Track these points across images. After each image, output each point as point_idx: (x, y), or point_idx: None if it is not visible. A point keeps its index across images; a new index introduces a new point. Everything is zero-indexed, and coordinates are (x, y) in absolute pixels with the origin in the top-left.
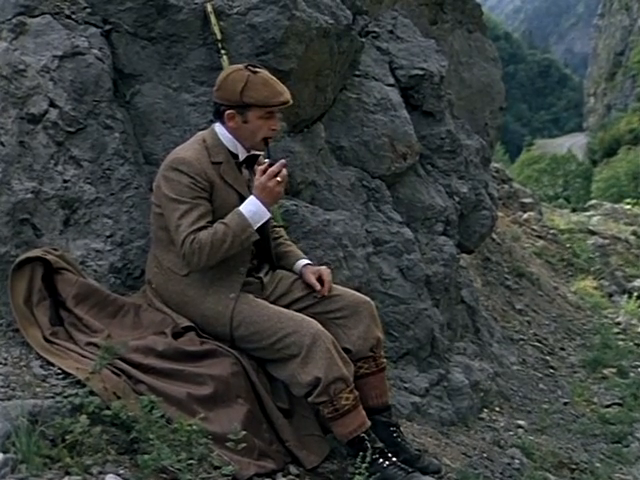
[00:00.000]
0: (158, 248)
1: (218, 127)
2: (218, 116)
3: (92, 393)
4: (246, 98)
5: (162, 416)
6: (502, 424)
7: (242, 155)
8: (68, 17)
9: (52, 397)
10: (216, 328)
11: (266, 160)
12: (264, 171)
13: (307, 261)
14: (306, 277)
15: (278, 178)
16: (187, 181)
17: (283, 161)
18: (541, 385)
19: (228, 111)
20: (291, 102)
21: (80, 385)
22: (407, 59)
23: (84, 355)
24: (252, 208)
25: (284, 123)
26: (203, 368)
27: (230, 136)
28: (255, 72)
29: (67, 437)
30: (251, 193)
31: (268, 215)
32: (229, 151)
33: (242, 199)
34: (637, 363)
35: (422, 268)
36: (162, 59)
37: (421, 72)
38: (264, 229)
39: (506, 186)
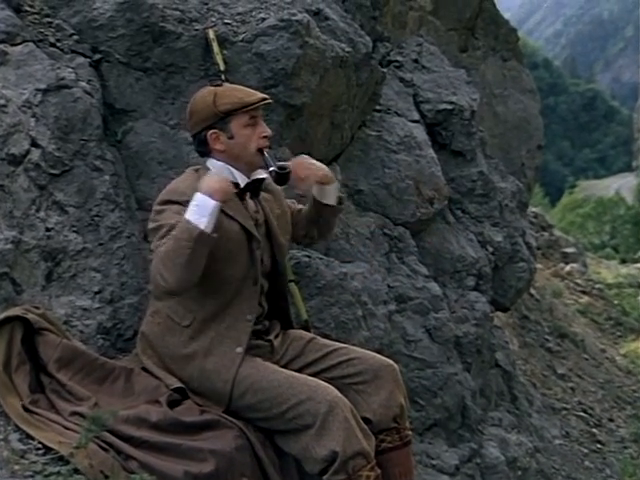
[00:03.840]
0: (156, 297)
1: (209, 162)
2: (203, 148)
3: (77, 471)
4: (221, 107)
5: None
6: None
7: (242, 181)
8: (53, 45)
9: (32, 476)
10: (215, 384)
11: (272, 169)
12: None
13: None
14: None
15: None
16: (177, 208)
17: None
18: (587, 462)
19: (210, 132)
20: (270, 100)
21: (63, 461)
22: (434, 91)
23: (67, 427)
24: (193, 204)
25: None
26: (203, 442)
27: (222, 163)
28: (219, 85)
29: None
30: (256, 225)
31: (213, 203)
32: None
33: (245, 231)
34: None
35: (451, 328)
36: (158, 92)
37: (450, 106)
38: (277, 281)
39: (546, 234)
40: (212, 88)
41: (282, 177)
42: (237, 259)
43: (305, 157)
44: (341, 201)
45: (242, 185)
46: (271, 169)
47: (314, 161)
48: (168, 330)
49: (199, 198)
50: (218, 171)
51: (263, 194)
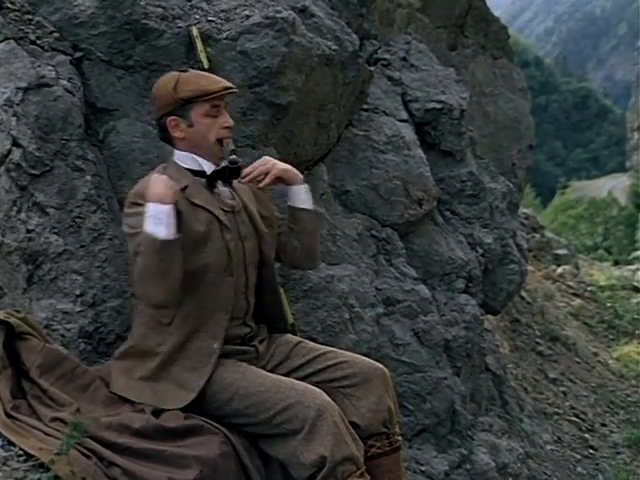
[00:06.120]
0: (139, 299)
1: (175, 154)
2: (163, 134)
3: (58, 478)
4: (182, 93)
5: None
6: None
7: (208, 169)
8: (33, 42)
9: None
10: (189, 377)
11: (224, 163)
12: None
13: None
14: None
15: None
16: (143, 210)
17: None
18: (579, 468)
19: (169, 118)
20: (236, 90)
21: (44, 468)
22: (422, 90)
23: (48, 433)
24: (147, 215)
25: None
26: (187, 448)
27: (186, 153)
28: (186, 71)
29: None
30: (233, 212)
31: (164, 209)
32: (193, 171)
33: (214, 217)
34: None
35: (440, 331)
36: (141, 91)
37: (439, 105)
38: (263, 273)
39: (537, 235)
40: (176, 74)
41: (232, 171)
42: (209, 249)
43: (268, 158)
44: (317, 213)
45: (208, 172)
46: (223, 163)
47: (277, 161)
48: (152, 329)
49: (150, 208)
50: (183, 161)
51: (240, 185)
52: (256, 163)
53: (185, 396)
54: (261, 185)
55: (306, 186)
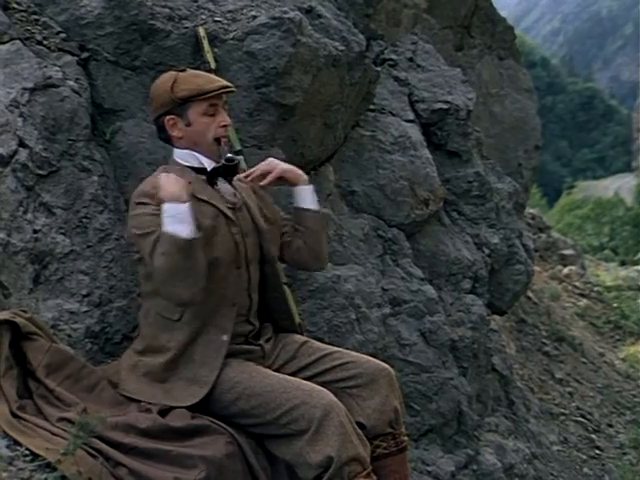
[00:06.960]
0: (145, 298)
1: (175, 153)
2: (162, 134)
3: (64, 478)
4: (179, 93)
5: None
6: None
7: (209, 165)
8: (39, 43)
9: None
10: (200, 371)
11: (221, 162)
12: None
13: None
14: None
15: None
16: (151, 210)
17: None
18: (585, 469)
19: (167, 118)
20: (234, 89)
21: (51, 468)
22: (429, 91)
23: (55, 433)
24: (165, 215)
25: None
26: (193, 448)
27: (185, 151)
28: (184, 70)
29: None
30: (234, 209)
31: (183, 208)
32: (195, 168)
33: (220, 211)
34: None
35: (447, 332)
36: (147, 92)
37: (445, 106)
38: (267, 270)
39: (543, 236)
40: (174, 73)
41: (229, 169)
42: (217, 243)
43: (273, 159)
44: (323, 213)
45: (209, 168)
46: (221, 162)
47: (281, 162)
48: (160, 328)
49: (168, 208)
50: (183, 159)
51: (241, 184)
52: (260, 164)
53: (197, 391)
54: (262, 184)
55: (311, 187)
